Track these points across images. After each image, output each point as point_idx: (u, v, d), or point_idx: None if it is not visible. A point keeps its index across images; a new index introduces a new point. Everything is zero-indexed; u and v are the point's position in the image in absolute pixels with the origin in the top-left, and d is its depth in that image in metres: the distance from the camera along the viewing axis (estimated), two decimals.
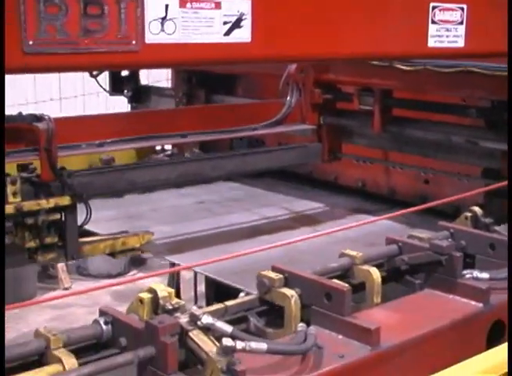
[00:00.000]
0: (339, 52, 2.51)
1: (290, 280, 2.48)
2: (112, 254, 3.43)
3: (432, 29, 2.71)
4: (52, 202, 3.09)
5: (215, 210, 4.35)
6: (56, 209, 3.13)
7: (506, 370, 1.99)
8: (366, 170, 4.65)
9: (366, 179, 4.66)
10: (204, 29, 2.10)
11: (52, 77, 9.10)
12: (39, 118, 3.20)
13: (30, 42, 1.77)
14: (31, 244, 3.08)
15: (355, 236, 3.57)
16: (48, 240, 3.13)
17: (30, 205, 3.02)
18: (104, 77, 4.99)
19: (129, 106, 5.38)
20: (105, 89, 5.04)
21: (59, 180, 3.15)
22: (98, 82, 4.72)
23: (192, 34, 2.08)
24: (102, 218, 4.04)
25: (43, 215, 3.05)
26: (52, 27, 1.80)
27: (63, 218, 3.17)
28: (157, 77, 8.01)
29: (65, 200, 3.13)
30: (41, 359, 2.01)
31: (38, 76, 8.94)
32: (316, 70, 4.31)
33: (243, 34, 2.19)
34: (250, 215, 4.24)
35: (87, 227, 3.34)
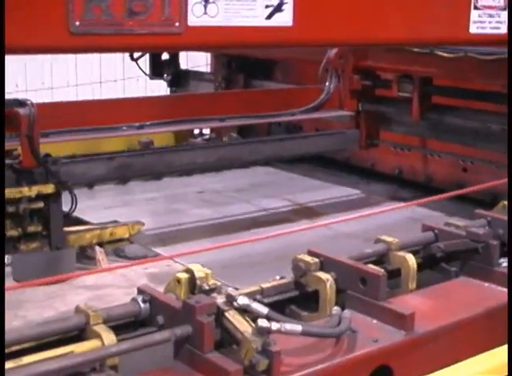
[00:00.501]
0: (379, 37, 2.50)
1: (325, 264, 2.49)
2: (100, 245, 3.32)
3: (474, 15, 2.69)
4: (34, 190, 2.98)
5: (249, 194, 4.37)
6: (40, 197, 3.02)
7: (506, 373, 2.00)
8: (404, 157, 4.64)
9: (403, 166, 4.65)
10: (246, 12, 2.12)
11: (93, 60, 9.18)
12: (22, 103, 3.05)
13: (77, 23, 1.81)
14: (13, 233, 2.97)
15: (391, 224, 3.57)
16: (31, 228, 3.02)
17: (11, 193, 2.91)
18: (144, 61, 5.03)
19: (168, 90, 5.41)
20: (145, 73, 5.08)
21: (43, 167, 3.03)
22: (138, 66, 4.76)
23: (234, 17, 2.09)
24: (143, 199, 4.11)
25: (25, 203, 2.94)
26: (98, 8, 1.83)
27: (47, 207, 3.06)
28: (196, 62, 8.03)
29: (49, 188, 3.02)
30: (80, 334, 2.05)
31: (80, 60, 9.03)
32: (356, 56, 4.31)
33: (285, 18, 2.19)
34: (282, 201, 4.25)
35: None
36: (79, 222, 3.42)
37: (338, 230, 3.58)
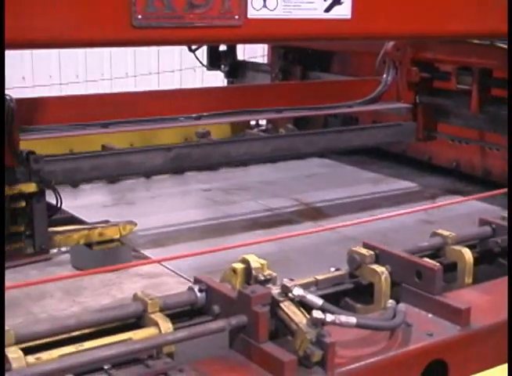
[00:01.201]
0: (439, 30, 2.48)
1: (380, 256, 2.49)
2: (89, 246, 3.18)
3: None
4: (16, 189, 2.85)
5: (303, 186, 4.37)
6: (23, 196, 2.89)
7: None
8: (461, 150, 4.59)
9: (461, 160, 4.60)
10: (305, 5, 2.12)
11: (151, 52, 9.28)
12: None
13: (139, 16, 1.84)
14: None
15: (447, 217, 3.55)
16: (13, 228, 2.89)
17: None
18: (202, 52, 5.06)
19: (225, 81, 5.44)
20: (203, 64, 5.11)
21: (25, 166, 2.88)
22: (196, 57, 4.80)
23: (293, 10, 2.11)
24: (199, 191, 4.15)
25: (7, 202, 2.78)
26: (159, 3, 1.86)
27: (30, 207, 2.92)
28: (252, 53, 8.05)
29: (30, 187, 2.88)
30: (138, 321, 2.09)
31: (138, 51, 9.12)
32: (414, 48, 4.27)
33: (343, 11, 2.20)
34: (336, 193, 4.24)
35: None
36: (73, 221, 3.32)
37: (393, 223, 3.57)
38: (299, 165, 4.79)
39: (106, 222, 3.28)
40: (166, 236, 3.49)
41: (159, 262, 3.00)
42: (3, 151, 1.95)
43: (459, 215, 3.58)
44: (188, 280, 2.81)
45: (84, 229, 3.18)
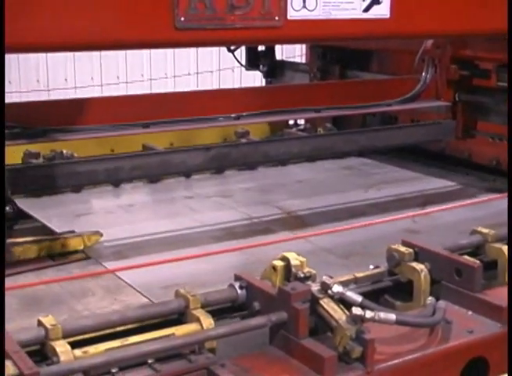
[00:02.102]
0: (479, 27, 2.48)
1: (420, 254, 2.50)
2: (51, 257, 3.05)
3: None
4: None
5: (342, 185, 4.35)
6: None
7: None
8: (502, 148, 4.54)
9: (501, 158, 4.56)
10: (344, 5, 2.14)
11: (191, 52, 9.35)
12: None
13: (182, 18, 1.88)
14: None
15: (487, 215, 3.52)
16: None
17: None
18: (240, 53, 5.10)
19: (264, 81, 5.46)
20: (241, 64, 5.14)
21: None
22: (235, 57, 4.83)
23: (333, 11, 2.13)
24: (239, 190, 4.16)
25: None
26: (201, 4, 1.90)
27: None
28: (291, 53, 8.07)
29: None
30: (180, 317, 2.13)
31: (177, 51, 9.20)
32: (453, 45, 4.25)
33: (382, 10, 2.21)
34: (377, 192, 4.23)
35: None
36: (44, 230, 3.23)
37: (435, 221, 3.56)
38: (337, 164, 4.78)
39: (72, 232, 3.17)
40: (206, 236, 3.50)
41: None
42: (3, 151, 1.98)
43: (499, 211, 3.54)
44: None
45: (46, 239, 3.06)
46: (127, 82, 9.20)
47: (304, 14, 2.08)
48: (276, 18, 2.04)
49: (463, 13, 2.38)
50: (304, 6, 2.07)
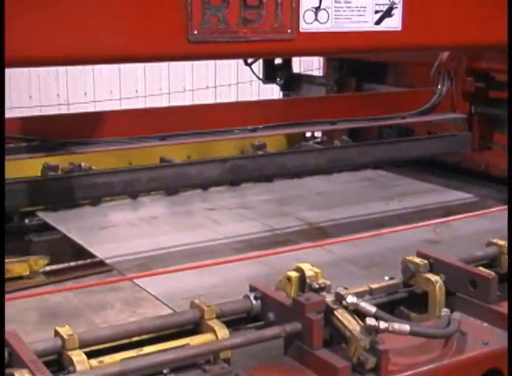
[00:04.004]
0: (489, 40, 2.48)
1: (435, 265, 2.49)
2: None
3: None
4: None
5: (358, 197, 4.35)
6: None
7: None
8: None
9: None
10: (356, 18, 2.16)
11: (209, 66, 9.42)
12: None
13: (195, 32, 1.91)
14: None
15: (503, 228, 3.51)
16: None
17: None
18: (257, 66, 5.13)
19: (281, 94, 5.49)
20: (258, 77, 5.17)
21: None
22: (252, 70, 4.86)
23: (345, 23, 2.15)
24: (257, 202, 4.17)
25: None
26: (214, 18, 1.92)
27: None
28: (308, 66, 8.10)
29: None
30: (195, 328, 2.15)
31: (196, 65, 9.27)
32: (469, 58, 4.25)
33: (394, 23, 2.22)
34: (395, 204, 4.23)
35: None
36: None
37: (456, 232, 3.56)
38: (355, 176, 4.79)
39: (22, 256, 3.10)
40: (228, 247, 3.51)
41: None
42: (3, 150, 2.00)
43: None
44: None
45: None
46: (145, 96, 9.27)
47: (316, 27, 2.10)
48: (289, 31, 2.06)
49: (475, 25, 2.39)
50: (316, 19, 2.09)
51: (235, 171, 3.54)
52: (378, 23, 2.20)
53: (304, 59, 7.76)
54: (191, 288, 2.84)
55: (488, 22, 2.44)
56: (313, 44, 2.14)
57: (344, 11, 2.15)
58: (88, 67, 9.12)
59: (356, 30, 2.17)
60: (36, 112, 8.17)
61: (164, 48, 1.92)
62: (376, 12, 2.20)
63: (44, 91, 9.23)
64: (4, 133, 2.01)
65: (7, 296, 1.97)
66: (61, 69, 9.07)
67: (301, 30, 2.09)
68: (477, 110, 4.38)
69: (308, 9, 2.09)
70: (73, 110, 8.30)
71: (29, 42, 1.78)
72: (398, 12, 2.23)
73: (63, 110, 8.49)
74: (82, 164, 3.88)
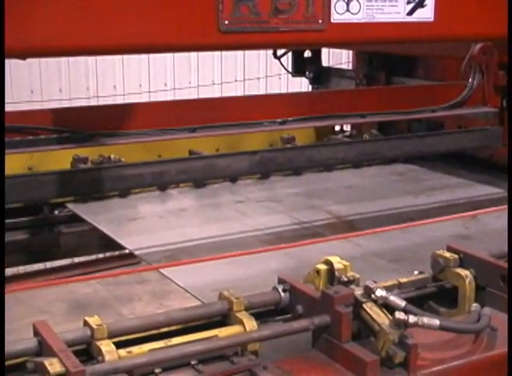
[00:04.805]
0: None
1: (465, 260, 2.47)
2: None
3: None
4: None
5: (387, 191, 4.32)
6: None
7: None
8: None
9: None
10: (388, 8, 2.15)
11: (238, 59, 9.42)
12: None
13: (226, 22, 1.90)
14: None
15: None
16: None
17: None
18: (287, 59, 5.12)
19: (310, 87, 5.47)
20: (288, 70, 5.16)
21: None
22: (281, 63, 4.85)
23: (376, 14, 2.13)
24: (285, 195, 4.17)
25: None
26: (245, 8, 1.92)
27: None
28: (337, 60, 8.08)
29: None
30: (224, 319, 2.15)
31: (225, 59, 9.29)
32: (500, 51, 4.21)
33: (426, 14, 2.20)
34: (424, 198, 4.20)
35: None
36: None
37: (486, 226, 3.53)
38: (384, 170, 4.76)
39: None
40: (257, 240, 3.50)
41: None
42: (3, 152, 2.01)
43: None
44: None
45: None
46: (174, 89, 9.31)
47: (347, 17, 2.08)
48: (320, 21, 2.05)
49: (505, 16, 2.36)
50: (348, 10, 2.07)
51: (263, 163, 3.53)
52: (410, 13, 2.18)
53: (333, 52, 7.74)
54: (219, 281, 2.84)
55: None
56: (344, 35, 2.13)
57: (376, 1, 2.13)
58: (118, 61, 9.17)
59: (388, 21, 2.16)
60: (66, 105, 8.24)
61: (195, 38, 1.92)
62: (409, 2, 2.18)
63: (74, 84, 9.30)
64: (4, 133, 2.02)
65: (37, 284, 1.98)
66: (91, 62, 9.13)
67: (332, 20, 2.08)
68: (509, 104, 4.33)
69: (339, 0, 2.08)
70: (103, 103, 8.36)
71: (42, 32, 1.78)
72: (430, 3, 2.20)
73: (93, 103, 8.55)
74: (112, 157, 3.90)
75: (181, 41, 1.92)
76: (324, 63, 5.50)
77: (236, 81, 9.47)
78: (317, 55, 5.25)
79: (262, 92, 9.37)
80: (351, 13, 2.09)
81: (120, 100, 8.77)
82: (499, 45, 4.15)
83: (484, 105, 4.27)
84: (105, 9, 1.80)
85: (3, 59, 1.78)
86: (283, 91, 8.94)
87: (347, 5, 2.08)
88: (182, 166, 3.65)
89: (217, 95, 9.11)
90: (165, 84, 9.44)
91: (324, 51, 5.69)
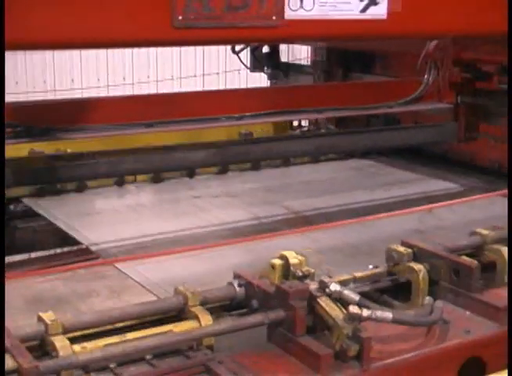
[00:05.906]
0: (476, 29, 2.48)
1: (418, 254, 2.51)
2: None
3: None
4: None
5: (344, 186, 4.35)
6: None
7: None
8: (504, 151, 4.54)
9: (504, 161, 4.56)
10: (341, 6, 2.16)
11: (197, 54, 9.40)
12: None
13: (180, 17, 1.91)
14: None
15: (485, 218, 3.53)
16: None
17: None
18: (246, 55, 5.12)
19: (269, 83, 5.48)
20: (246, 66, 5.16)
21: None
22: (240, 59, 4.84)
23: (330, 11, 2.14)
24: (243, 190, 4.17)
25: None
26: (198, 4, 1.92)
27: None
28: (296, 56, 8.10)
29: None
30: (179, 314, 2.15)
31: (184, 53, 9.25)
32: (456, 48, 4.26)
33: (379, 11, 2.23)
34: (383, 193, 4.23)
35: None
36: None
37: (441, 222, 3.57)
38: (341, 166, 4.78)
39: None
40: (214, 235, 3.50)
41: None
42: (3, 148, 2.00)
43: (498, 213, 3.54)
44: None
45: None
46: (133, 83, 9.25)
47: (301, 14, 2.09)
48: (274, 18, 2.06)
49: (460, 13, 2.39)
50: (301, 6, 2.09)
51: (219, 155, 3.52)
52: (364, 11, 2.20)
53: (293, 47, 7.76)
54: (177, 276, 2.84)
55: (473, 10, 2.44)
56: (298, 31, 2.14)
57: None
58: (76, 54, 9.08)
59: (341, 18, 2.17)
60: (22, 98, 8.14)
61: (149, 33, 1.91)
62: (362, 0, 2.20)
63: (30, 77, 9.19)
64: (4, 133, 2.01)
65: None
66: (48, 56, 9.04)
67: (285, 17, 2.09)
68: (464, 100, 4.39)
69: None
70: (60, 97, 8.28)
71: (14, 26, 1.77)
72: (383, 1, 2.23)
73: (50, 97, 8.46)
74: (69, 151, 3.87)
75: (135, 37, 1.91)
76: (283, 59, 5.51)
77: (195, 76, 9.45)
78: (275, 51, 5.25)
79: (222, 86, 9.35)
80: (305, 10, 2.10)
81: (77, 94, 8.70)
82: (455, 41, 4.20)
83: (440, 101, 4.32)
84: (57, 3, 1.79)
85: (3, 59, 1.76)
86: (243, 86, 8.93)
87: (301, 1, 2.09)
88: (138, 156, 3.63)
89: (176, 89, 9.07)
90: (124, 79, 9.38)
91: (282, 47, 5.70)
